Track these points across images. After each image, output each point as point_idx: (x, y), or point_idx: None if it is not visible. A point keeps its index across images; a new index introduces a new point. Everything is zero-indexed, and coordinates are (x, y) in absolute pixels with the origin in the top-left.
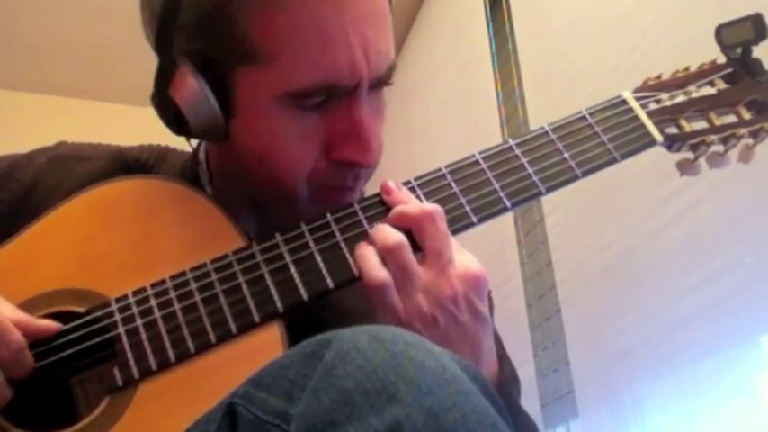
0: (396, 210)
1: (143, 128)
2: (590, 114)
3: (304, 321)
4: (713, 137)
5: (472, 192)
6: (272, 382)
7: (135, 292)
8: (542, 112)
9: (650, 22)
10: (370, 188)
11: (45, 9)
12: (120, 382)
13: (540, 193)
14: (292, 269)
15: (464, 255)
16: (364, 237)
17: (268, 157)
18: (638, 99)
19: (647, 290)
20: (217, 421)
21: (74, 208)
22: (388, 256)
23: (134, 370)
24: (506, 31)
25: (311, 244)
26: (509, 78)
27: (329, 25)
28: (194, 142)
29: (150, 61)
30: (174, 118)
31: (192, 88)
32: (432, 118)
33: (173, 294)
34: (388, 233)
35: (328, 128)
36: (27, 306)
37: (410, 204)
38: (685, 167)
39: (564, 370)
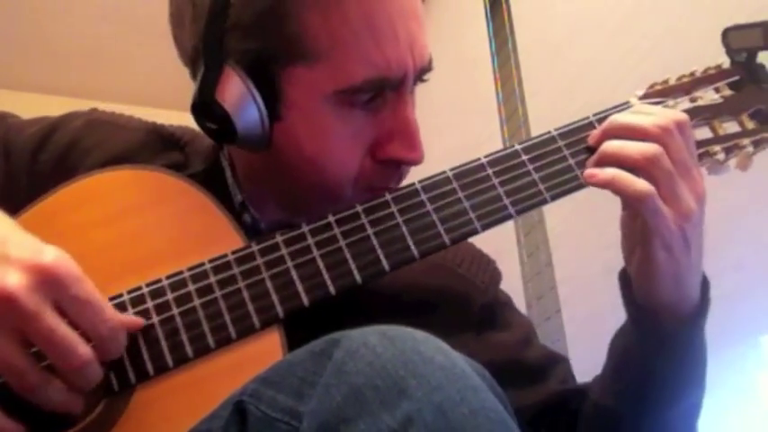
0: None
1: None
2: (597, 121)
3: (304, 322)
4: (717, 147)
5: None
6: (280, 380)
7: (130, 292)
8: (542, 112)
9: (650, 23)
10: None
11: (46, 9)
12: (116, 387)
13: (545, 201)
14: (293, 273)
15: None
16: (366, 244)
17: (316, 158)
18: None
19: None
20: (223, 419)
21: (66, 197)
22: (649, 164)
23: (131, 374)
24: (506, 31)
25: (312, 248)
26: (509, 78)
27: (378, 20)
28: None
29: (150, 62)
30: (217, 124)
31: (239, 90)
32: (431, 118)
33: (170, 296)
34: (642, 144)
35: (376, 127)
36: None
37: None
38: None
39: None
